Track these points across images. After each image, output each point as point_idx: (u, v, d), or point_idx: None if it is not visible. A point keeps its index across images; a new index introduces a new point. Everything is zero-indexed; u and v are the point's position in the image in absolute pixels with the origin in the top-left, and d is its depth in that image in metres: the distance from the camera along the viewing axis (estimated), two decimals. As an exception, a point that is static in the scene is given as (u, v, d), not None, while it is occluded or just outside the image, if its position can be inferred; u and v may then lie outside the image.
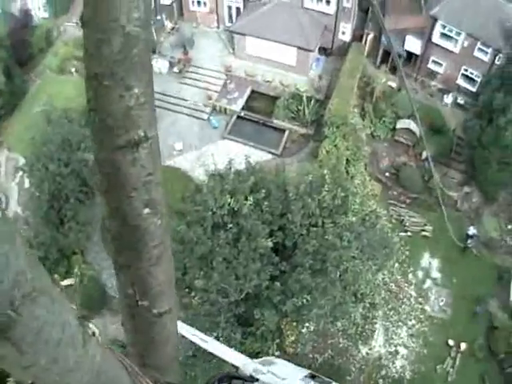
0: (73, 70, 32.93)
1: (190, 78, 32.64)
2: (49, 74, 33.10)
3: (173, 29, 34.29)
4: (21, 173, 28.82)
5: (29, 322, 1.30)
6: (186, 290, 17.43)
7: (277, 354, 19.20)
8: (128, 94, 1.51)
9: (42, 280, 1.37)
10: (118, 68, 1.46)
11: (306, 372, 5.08)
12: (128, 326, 2.21)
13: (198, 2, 34.43)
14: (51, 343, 1.37)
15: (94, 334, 1.65)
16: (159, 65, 32.74)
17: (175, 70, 32.66)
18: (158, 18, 34.40)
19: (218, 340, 16.34)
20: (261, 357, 17.89)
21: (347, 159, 25.11)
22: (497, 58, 27.46)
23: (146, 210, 1.78)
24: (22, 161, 28.96)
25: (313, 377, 5.14)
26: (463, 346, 22.66)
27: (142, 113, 1.57)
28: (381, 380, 21.96)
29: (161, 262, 1.96)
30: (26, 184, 27.12)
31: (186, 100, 31.32)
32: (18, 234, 1.30)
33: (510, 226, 26.80)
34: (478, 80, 29.17)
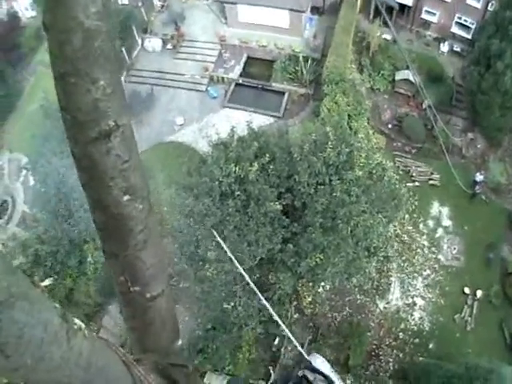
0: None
1: (185, 53, 32.44)
2: (42, 70, 32.68)
3: (162, 7, 34.44)
4: (24, 172, 28.86)
5: (9, 326, 1.33)
6: (200, 262, 17.52)
7: (295, 316, 19.37)
8: (94, 87, 1.54)
9: (20, 285, 1.40)
10: (81, 64, 1.48)
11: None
12: (125, 312, 2.27)
13: (186, -23, 33.94)
14: (34, 343, 1.41)
15: (80, 328, 1.68)
16: (152, 44, 32.65)
17: (169, 46, 32.71)
18: (147, -2, 34.37)
19: (237, 309, 16.55)
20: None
21: (349, 115, 24.82)
22: (489, 4, 27.09)
23: (126, 197, 1.80)
24: (24, 160, 28.98)
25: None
26: (479, 293, 22.61)
27: (110, 103, 1.60)
28: (401, 333, 22.01)
29: (148, 246, 1.99)
30: (31, 182, 27.09)
31: (182, 74, 31.11)
32: None
33: (516, 171, 26.57)
34: (473, 27, 28.81)
